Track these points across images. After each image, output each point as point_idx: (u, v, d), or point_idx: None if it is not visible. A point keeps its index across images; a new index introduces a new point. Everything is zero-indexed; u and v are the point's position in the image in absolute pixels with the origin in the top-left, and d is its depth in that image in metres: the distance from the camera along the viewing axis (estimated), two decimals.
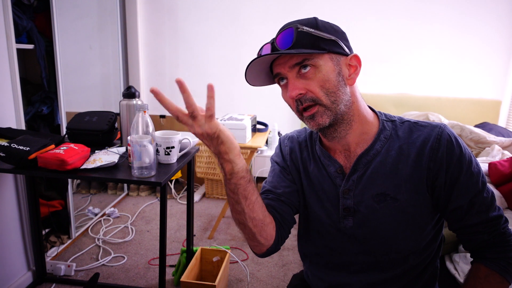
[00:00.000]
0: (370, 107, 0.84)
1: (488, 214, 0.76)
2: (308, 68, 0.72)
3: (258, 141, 2.22)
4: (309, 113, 0.74)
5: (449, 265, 1.42)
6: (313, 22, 0.74)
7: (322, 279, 0.91)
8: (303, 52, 0.70)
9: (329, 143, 0.83)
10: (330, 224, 0.83)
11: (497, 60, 2.80)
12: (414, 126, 0.79)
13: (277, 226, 0.82)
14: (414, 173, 0.75)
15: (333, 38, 0.73)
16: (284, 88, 0.77)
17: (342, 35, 0.77)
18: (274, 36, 0.76)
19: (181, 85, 0.62)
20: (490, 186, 1.65)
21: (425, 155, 0.75)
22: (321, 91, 0.72)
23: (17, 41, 1.69)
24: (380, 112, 0.83)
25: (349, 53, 0.76)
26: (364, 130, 0.79)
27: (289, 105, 0.79)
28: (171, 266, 2.02)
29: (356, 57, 0.77)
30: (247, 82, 0.79)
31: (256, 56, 0.75)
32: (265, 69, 0.79)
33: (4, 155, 1.28)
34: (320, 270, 0.91)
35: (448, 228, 0.84)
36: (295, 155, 0.89)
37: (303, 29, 0.72)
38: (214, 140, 0.68)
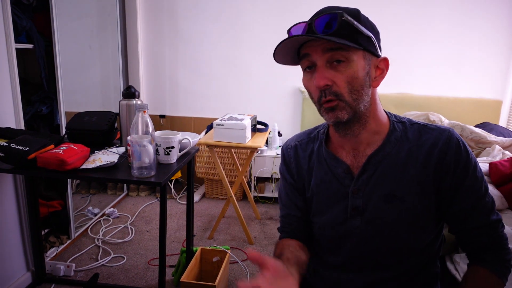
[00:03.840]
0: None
1: (489, 218, 0.77)
2: (341, 60, 0.70)
3: (258, 141, 2.22)
4: (330, 105, 0.73)
5: (449, 266, 1.41)
6: (356, 14, 0.71)
7: (323, 278, 0.91)
8: (344, 43, 0.67)
9: (339, 140, 0.82)
10: (336, 224, 0.83)
11: (497, 59, 2.80)
12: (423, 129, 0.79)
13: (307, 247, 0.88)
14: (422, 175, 0.76)
15: (370, 35, 0.72)
16: (308, 74, 0.75)
17: (377, 34, 0.75)
18: (287, 28, 0.74)
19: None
20: (490, 187, 1.66)
21: (434, 157, 0.75)
22: (346, 87, 0.71)
23: (17, 41, 1.69)
24: (390, 113, 0.83)
25: (380, 54, 0.75)
26: (376, 131, 0.79)
27: (310, 92, 0.77)
28: (171, 266, 2.01)
29: (386, 61, 0.76)
30: (274, 59, 0.77)
31: (287, 34, 0.72)
32: (295, 47, 0.75)
33: (3, 155, 1.28)
34: (323, 269, 0.91)
35: (448, 231, 0.84)
36: (300, 163, 0.90)
37: (347, 18, 0.69)
38: None
